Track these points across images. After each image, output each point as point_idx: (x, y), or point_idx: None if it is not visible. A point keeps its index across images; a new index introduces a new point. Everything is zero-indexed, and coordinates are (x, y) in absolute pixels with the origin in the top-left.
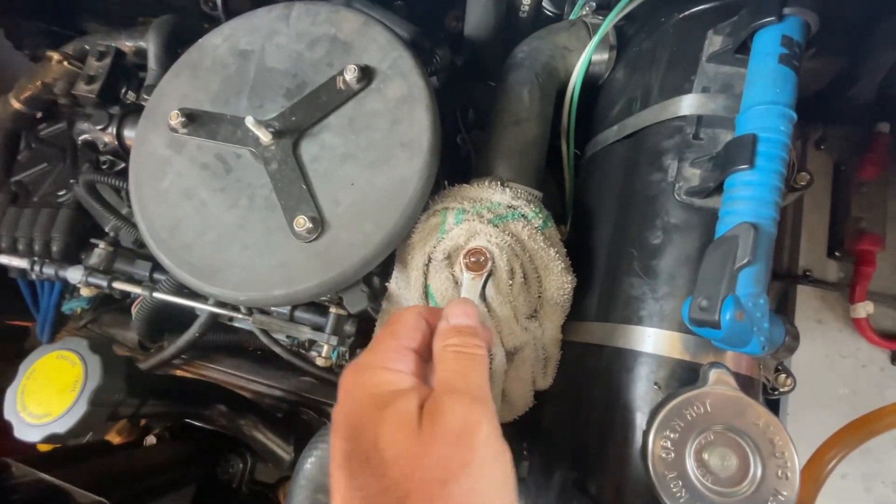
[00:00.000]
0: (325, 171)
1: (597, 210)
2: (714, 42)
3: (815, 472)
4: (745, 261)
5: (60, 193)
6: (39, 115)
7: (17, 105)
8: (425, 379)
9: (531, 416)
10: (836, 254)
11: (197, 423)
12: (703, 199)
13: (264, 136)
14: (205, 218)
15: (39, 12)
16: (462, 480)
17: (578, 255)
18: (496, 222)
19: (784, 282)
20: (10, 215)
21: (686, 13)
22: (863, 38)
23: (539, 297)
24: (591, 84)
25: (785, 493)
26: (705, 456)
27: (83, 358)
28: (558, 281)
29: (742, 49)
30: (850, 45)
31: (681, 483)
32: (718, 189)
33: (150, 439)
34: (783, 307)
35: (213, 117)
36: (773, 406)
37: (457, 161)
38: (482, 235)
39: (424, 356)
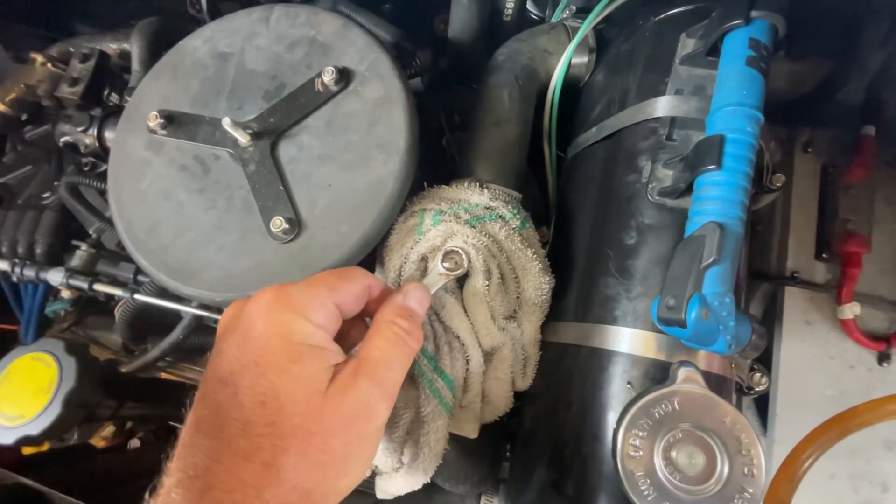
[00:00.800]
0: (302, 172)
1: (577, 211)
2: (687, 45)
3: (791, 471)
4: (710, 260)
5: (45, 195)
6: (24, 117)
7: (1, 107)
8: (341, 336)
9: (514, 418)
10: (824, 255)
11: (180, 426)
12: (675, 200)
13: (242, 138)
14: (182, 219)
15: (29, 15)
16: (338, 456)
17: (560, 255)
18: (473, 223)
19: (772, 283)
20: None
21: (661, 16)
22: (849, 41)
23: (517, 297)
24: (572, 86)
25: (751, 491)
26: (673, 454)
27: (58, 359)
28: (536, 281)
29: (713, 52)
30: (836, 48)
31: (649, 481)
32: (689, 189)
33: (135, 443)
34: (772, 308)
35: (192, 119)
36: (762, 407)
37: (443, 163)
38: (459, 236)
39: (349, 315)
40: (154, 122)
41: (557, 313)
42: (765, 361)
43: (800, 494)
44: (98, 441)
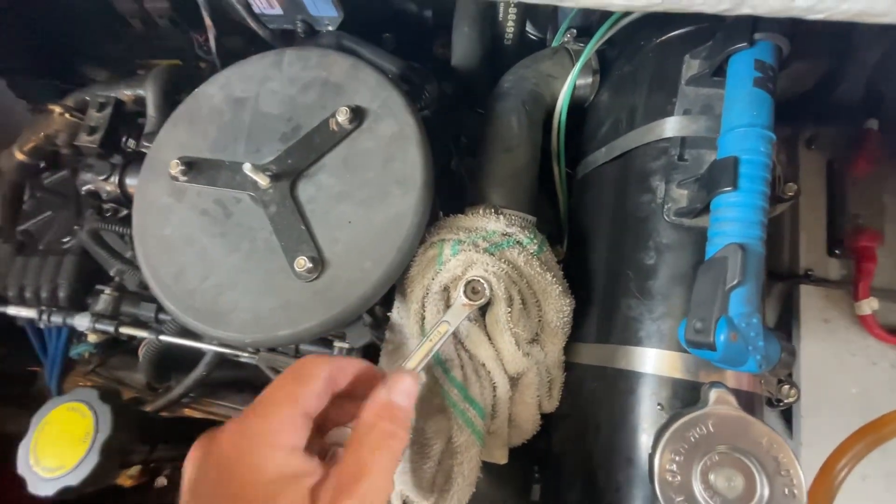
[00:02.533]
0: (322, 211)
1: (591, 230)
2: (691, 66)
3: (826, 483)
4: (735, 282)
5: (65, 240)
6: (42, 164)
7: (20, 156)
8: (317, 448)
9: (541, 440)
10: (837, 252)
11: None
12: (692, 220)
13: (262, 181)
14: (207, 263)
15: (41, 66)
16: None
17: (576, 275)
18: (492, 251)
19: (787, 283)
20: (17, 264)
21: (663, 38)
22: (846, 37)
23: (539, 321)
24: (578, 107)
25: None
26: (711, 477)
27: (93, 408)
28: (557, 304)
29: (718, 72)
30: (832, 45)
31: None
32: (706, 209)
33: (161, 481)
34: (787, 308)
35: (212, 164)
36: (786, 410)
37: (452, 187)
38: (479, 265)
39: (319, 410)
40: (175, 169)
41: (580, 335)
42: None
43: (836, 497)
44: (125, 480)
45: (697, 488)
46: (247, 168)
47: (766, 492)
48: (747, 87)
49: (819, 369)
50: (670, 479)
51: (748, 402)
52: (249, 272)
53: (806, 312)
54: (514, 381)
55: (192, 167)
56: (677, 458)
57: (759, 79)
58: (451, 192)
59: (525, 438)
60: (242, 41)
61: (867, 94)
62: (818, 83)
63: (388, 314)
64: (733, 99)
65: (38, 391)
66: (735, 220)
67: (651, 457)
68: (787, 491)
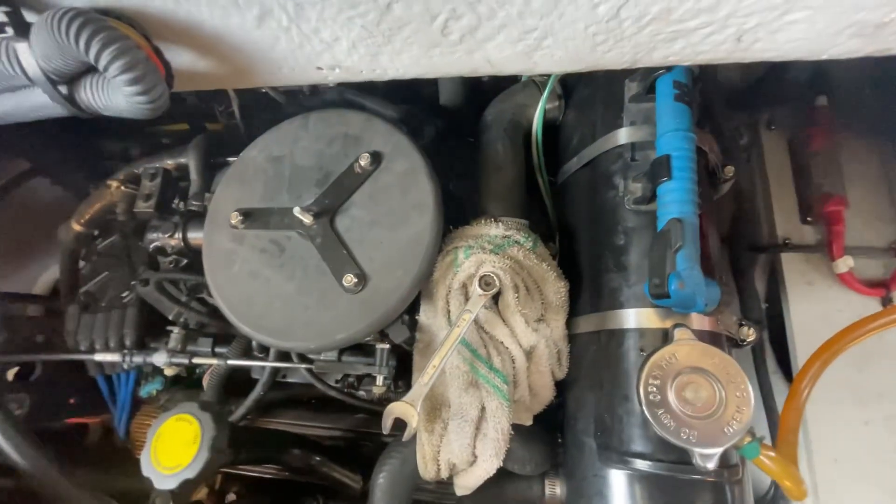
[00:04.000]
0: (358, 237)
1: (574, 225)
2: (631, 88)
3: (794, 402)
4: (678, 245)
5: (124, 295)
6: (96, 232)
7: (78, 228)
8: None
9: (558, 412)
10: (809, 219)
11: (269, 478)
12: (646, 206)
13: (307, 219)
14: (271, 290)
15: (77, 155)
16: None
17: (568, 263)
18: (497, 251)
19: (769, 253)
20: (85, 321)
21: None
22: None
23: (542, 303)
24: (551, 126)
25: (744, 408)
26: (683, 392)
27: (197, 416)
28: (554, 287)
29: (650, 91)
30: None
31: (669, 416)
32: (654, 196)
33: (231, 497)
34: (773, 276)
35: (264, 211)
36: (788, 373)
37: (452, 203)
38: (488, 263)
39: None
40: (235, 219)
41: (577, 310)
42: (779, 326)
43: (841, 443)
44: (202, 495)
45: (673, 401)
46: (296, 211)
47: (723, 395)
48: (670, 102)
49: (810, 329)
50: (652, 398)
51: (711, 339)
52: (306, 293)
53: (790, 278)
54: (528, 354)
55: (248, 216)
56: (655, 383)
57: (677, 95)
58: (452, 208)
59: (544, 405)
60: (253, 100)
61: (814, 73)
62: (769, 68)
63: (417, 317)
64: (662, 111)
65: (92, 443)
66: (673, 202)
67: (637, 385)
68: (738, 394)
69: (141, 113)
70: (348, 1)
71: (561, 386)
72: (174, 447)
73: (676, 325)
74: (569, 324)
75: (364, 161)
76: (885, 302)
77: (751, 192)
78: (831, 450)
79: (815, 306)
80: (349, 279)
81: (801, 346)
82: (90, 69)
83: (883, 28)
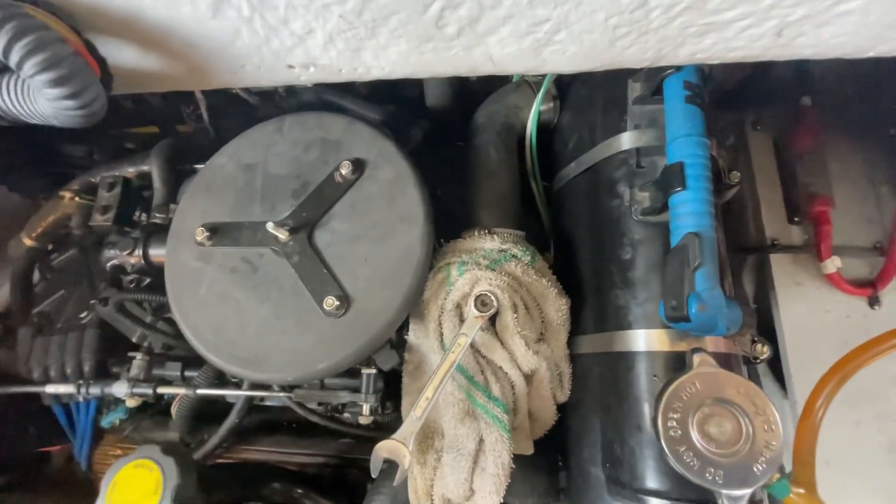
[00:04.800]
0: (340, 253)
1: (574, 236)
2: (635, 89)
3: (808, 421)
4: (696, 263)
5: (82, 315)
6: (50, 247)
7: (29, 242)
8: None
9: (559, 432)
10: (796, 219)
11: None
12: (656, 217)
13: (282, 235)
14: (243, 314)
15: (37, 162)
16: None
17: (567, 277)
18: (493, 266)
19: (758, 255)
20: (38, 345)
21: None
22: None
23: (542, 321)
24: (546, 129)
25: (774, 443)
26: (706, 426)
27: (159, 462)
28: (555, 304)
29: (657, 92)
30: None
31: (691, 453)
32: (665, 207)
33: None
34: (762, 277)
35: (234, 226)
36: (778, 373)
37: (441, 211)
38: (484, 280)
39: None
40: (201, 235)
41: (580, 328)
42: (768, 327)
43: (832, 445)
44: None
45: (695, 437)
46: (269, 226)
47: (751, 430)
48: (681, 104)
49: (799, 330)
50: (673, 434)
51: (726, 361)
52: (283, 317)
53: (779, 279)
54: (528, 378)
55: (216, 231)
56: (675, 416)
57: (689, 96)
58: (442, 219)
59: (546, 429)
60: (224, 101)
61: (798, 74)
62: (754, 68)
63: (405, 337)
64: (672, 114)
65: (52, 472)
66: (689, 214)
67: (654, 419)
68: (766, 427)
69: (72, 121)
70: None
71: (562, 407)
72: (133, 499)
73: (695, 350)
74: (571, 342)
75: (345, 169)
76: (872, 301)
77: (738, 192)
78: (824, 452)
79: (804, 307)
80: (330, 301)
81: (792, 348)
82: (4, 67)
83: None
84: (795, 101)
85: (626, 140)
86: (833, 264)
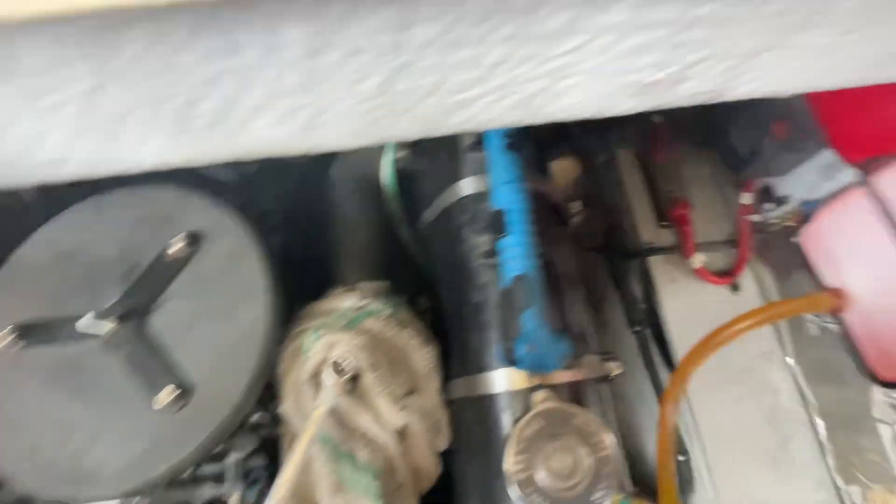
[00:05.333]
0: (177, 338)
1: (438, 279)
2: (465, 137)
3: (664, 430)
4: (522, 305)
5: None
6: None
7: None
8: None
9: (445, 479)
10: (663, 223)
11: None
12: (493, 260)
13: (107, 327)
14: (63, 427)
15: None
16: None
17: (439, 320)
18: (350, 327)
19: (638, 259)
20: None
21: None
22: None
23: (411, 373)
24: (405, 174)
25: (607, 467)
26: (550, 464)
27: None
28: (419, 354)
29: (482, 140)
30: None
31: (539, 494)
32: (496, 251)
33: None
34: (646, 278)
35: (50, 323)
36: (671, 363)
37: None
38: (340, 344)
39: None
40: (7, 340)
41: (452, 373)
42: (657, 324)
43: (722, 425)
44: None
45: (540, 477)
46: (85, 322)
47: (590, 458)
48: (499, 153)
49: (682, 323)
50: (521, 477)
51: (576, 391)
52: (112, 421)
53: (657, 279)
54: (401, 434)
55: (28, 332)
56: (522, 457)
57: (507, 144)
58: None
59: (431, 481)
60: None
61: None
62: None
63: (278, 411)
64: (493, 162)
65: None
66: (514, 258)
67: (503, 464)
68: (602, 454)
69: None
70: (40, 86)
71: (447, 454)
72: None
73: (535, 388)
74: (446, 388)
75: (178, 245)
76: (735, 287)
77: (616, 204)
78: (716, 428)
79: (682, 301)
80: (166, 394)
81: (677, 337)
82: None
83: (652, 87)
84: (649, 120)
85: (465, 186)
86: (698, 260)
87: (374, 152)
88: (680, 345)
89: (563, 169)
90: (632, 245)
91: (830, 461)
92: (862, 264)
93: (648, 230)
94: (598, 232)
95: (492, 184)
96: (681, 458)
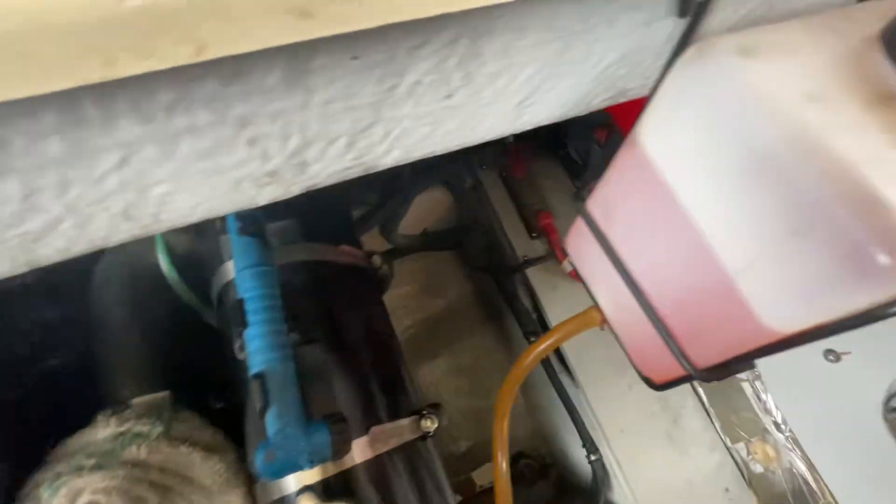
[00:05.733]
0: None
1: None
2: (216, 221)
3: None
4: (260, 407)
5: None
6: None
7: None
8: None
9: None
10: (534, 235)
11: None
12: (243, 354)
13: None
14: None
15: None
16: None
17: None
18: (103, 463)
19: (516, 274)
20: None
21: None
22: None
23: (204, 492)
24: (188, 259)
25: None
26: None
27: None
28: (204, 468)
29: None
30: None
31: None
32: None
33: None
34: (530, 289)
35: None
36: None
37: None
38: (86, 491)
39: None
40: None
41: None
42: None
43: (620, 414)
44: None
45: None
46: None
47: None
48: (236, 237)
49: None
50: None
51: (373, 467)
52: None
53: (539, 288)
54: None
55: None
56: None
57: (240, 227)
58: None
59: None
60: None
61: None
62: None
63: None
64: (233, 247)
65: None
66: (255, 352)
67: None
68: None
69: None
70: None
71: None
72: None
73: (300, 492)
74: (256, 494)
75: None
76: None
77: (490, 225)
78: (616, 422)
79: (563, 304)
80: None
81: (566, 344)
82: None
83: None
84: (503, 141)
85: (223, 273)
86: (569, 264)
87: (143, 242)
88: (572, 348)
89: (433, 201)
90: (511, 261)
91: (717, 424)
92: (597, 282)
93: (522, 244)
94: (480, 253)
95: (235, 269)
96: (593, 457)
